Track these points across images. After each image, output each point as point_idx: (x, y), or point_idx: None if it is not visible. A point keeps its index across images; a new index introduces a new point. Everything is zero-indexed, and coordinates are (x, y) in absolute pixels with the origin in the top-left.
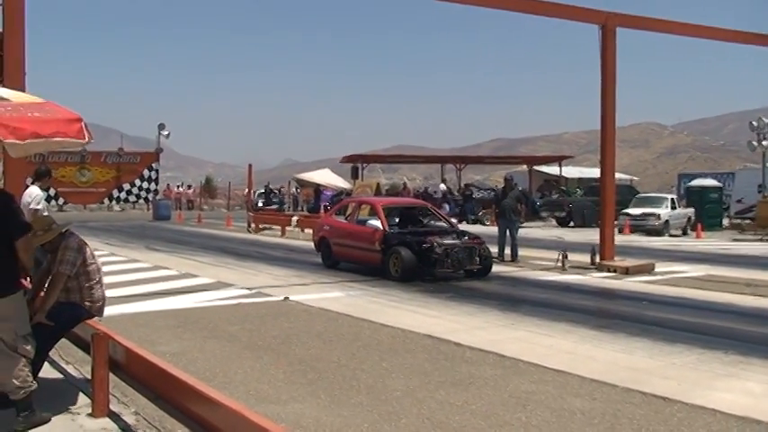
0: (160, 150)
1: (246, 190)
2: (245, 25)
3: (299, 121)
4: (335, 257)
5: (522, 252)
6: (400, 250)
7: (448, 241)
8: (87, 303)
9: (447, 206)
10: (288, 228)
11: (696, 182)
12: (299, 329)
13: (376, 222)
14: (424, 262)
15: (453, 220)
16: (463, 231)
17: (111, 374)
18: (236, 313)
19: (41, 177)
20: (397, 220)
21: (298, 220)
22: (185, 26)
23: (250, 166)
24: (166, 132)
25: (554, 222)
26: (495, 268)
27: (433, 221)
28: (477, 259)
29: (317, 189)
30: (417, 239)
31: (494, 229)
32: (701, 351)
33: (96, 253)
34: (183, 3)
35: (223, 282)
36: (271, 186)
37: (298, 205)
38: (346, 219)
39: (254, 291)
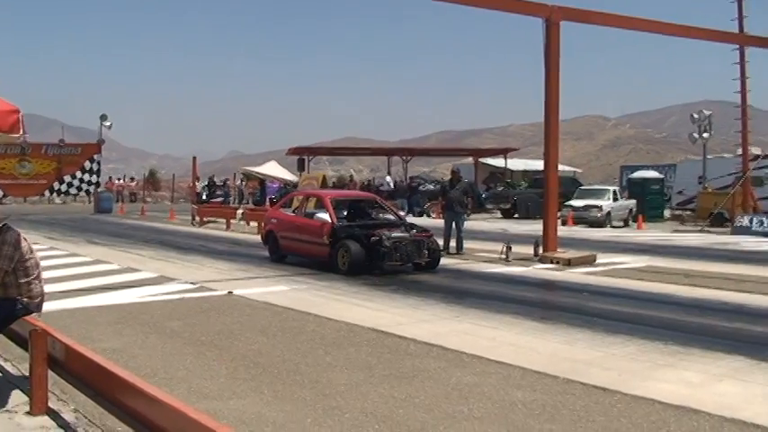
0: (102, 142)
1: (191, 182)
2: (186, 12)
3: (245, 112)
4: (283, 251)
5: (467, 244)
6: (348, 244)
7: (396, 234)
8: (25, 299)
9: (404, 200)
10: (233, 221)
11: (638, 174)
12: (243, 324)
13: (324, 215)
14: (373, 255)
15: (401, 213)
16: (412, 224)
17: (50, 371)
18: (179, 308)
19: None
20: (345, 213)
21: (243, 213)
22: (126, 14)
23: (194, 158)
24: (108, 123)
25: (499, 214)
26: (441, 261)
27: (381, 214)
28: (426, 252)
29: (263, 182)
30: (366, 233)
31: (439, 222)
32: (641, 342)
33: (36, 247)
34: None
35: (166, 276)
36: (216, 179)
37: (243, 198)
38: (294, 212)
39: (197, 285)
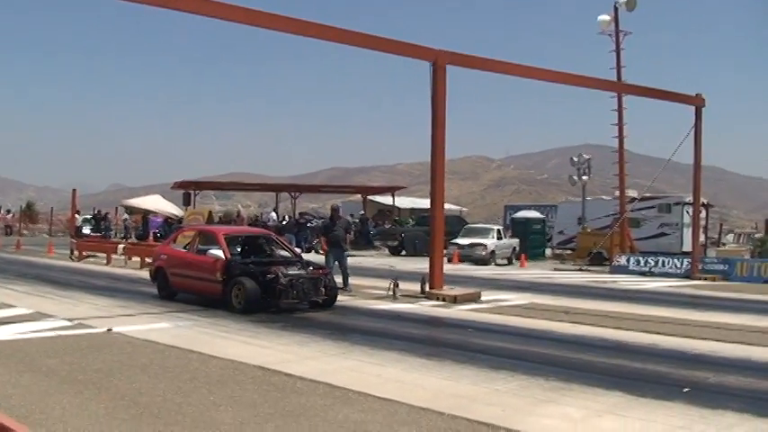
0: None
1: (70, 215)
2: (62, 44)
3: (126, 144)
4: (173, 288)
5: (354, 281)
6: (243, 281)
7: (293, 272)
8: None
9: (292, 236)
10: (114, 256)
11: (521, 213)
12: (123, 362)
13: (217, 252)
14: (269, 293)
15: (297, 250)
16: (308, 261)
17: None
18: (55, 346)
19: None
20: (239, 249)
21: (124, 248)
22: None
23: (74, 190)
24: None
25: (387, 251)
26: None
27: (276, 251)
28: (323, 290)
29: (145, 216)
30: (261, 269)
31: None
32: (524, 377)
33: None
34: None
35: (42, 312)
36: (99, 212)
37: (128, 232)
38: (185, 248)
39: (74, 322)
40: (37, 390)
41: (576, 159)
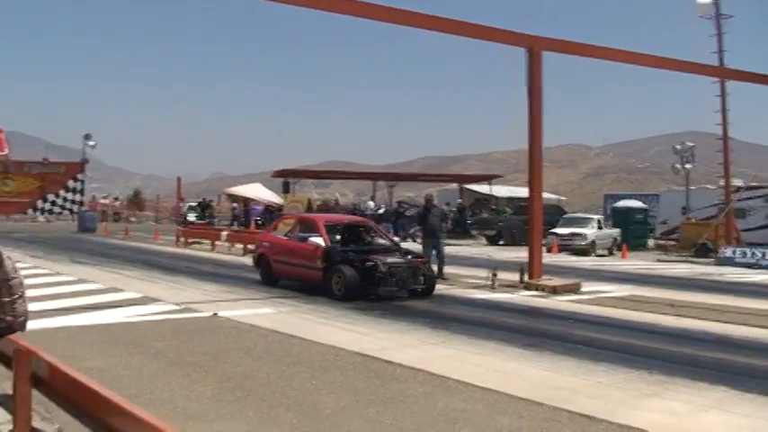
0: (86, 161)
1: (175, 202)
2: (170, 36)
3: (229, 133)
4: (275, 275)
5: (452, 270)
6: (343, 268)
7: (392, 260)
8: (9, 318)
9: (390, 225)
10: (217, 242)
11: (622, 203)
12: (228, 346)
13: (318, 239)
14: (368, 281)
15: (396, 239)
16: (407, 250)
17: (33, 390)
18: (164, 329)
19: None
20: (338, 237)
21: (228, 235)
22: (110, 36)
23: (179, 178)
24: (92, 143)
25: (484, 240)
26: None
27: (375, 239)
28: (422, 279)
29: (246, 203)
30: (361, 257)
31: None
32: (626, 370)
33: (20, 265)
34: (107, 14)
35: (150, 297)
36: (204, 200)
37: (236, 220)
38: (287, 235)
39: (182, 306)
40: (147, 371)
41: (678, 147)
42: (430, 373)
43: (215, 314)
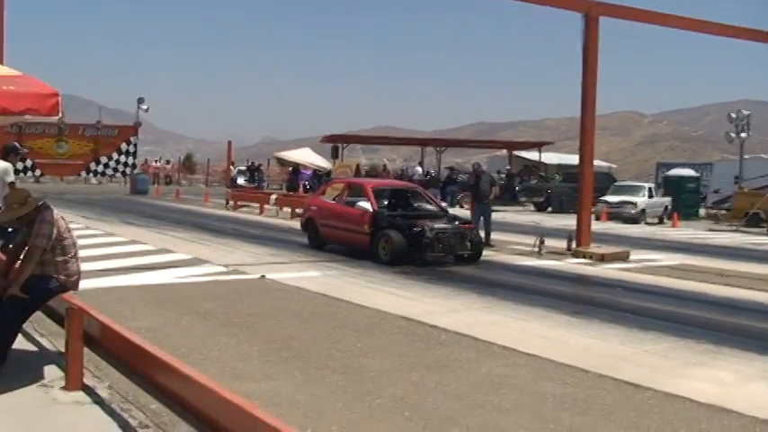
0: (139, 124)
1: (225, 166)
2: (224, 2)
3: (279, 98)
4: (322, 239)
5: (499, 237)
6: (390, 233)
7: (439, 225)
8: (62, 277)
9: (437, 191)
10: (266, 206)
11: (674, 171)
12: (275, 308)
13: (365, 204)
14: (415, 246)
15: (443, 204)
16: (454, 216)
17: (85, 348)
18: (213, 290)
19: (7, 155)
20: (386, 202)
21: (276, 199)
22: (165, 1)
23: (229, 142)
24: (146, 106)
25: (532, 207)
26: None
27: (422, 205)
28: (469, 244)
29: (296, 168)
30: (408, 223)
31: (467, 213)
32: (674, 339)
33: (72, 226)
34: None
35: (200, 258)
36: (252, 163)
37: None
38: (334, 199)
39: (230, 268)
40: (195, 331)
41: (734, 116)
42: (474, 339)
43: (263, 276)
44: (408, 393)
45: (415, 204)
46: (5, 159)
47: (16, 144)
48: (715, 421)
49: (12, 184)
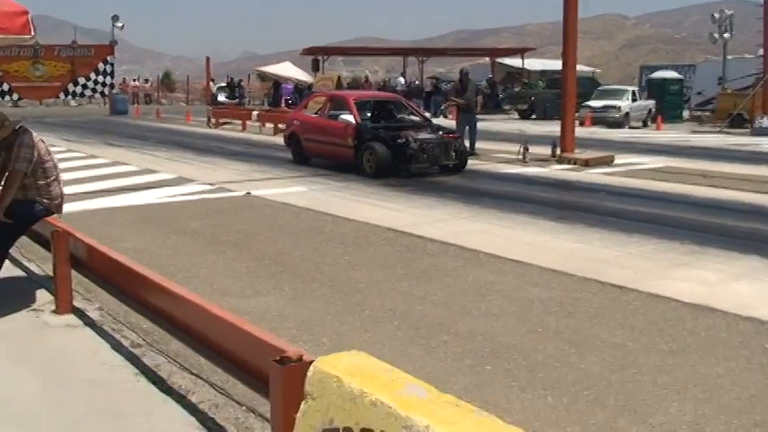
0: (115, 43)
1: (205, 83)
2: None
3: (258, 11)
4: (306, 153)
5: (483, 145)
6: (374, 146)
7: (423, 136)
8: (45, 200)
9: (420, 101)
10: (248, 122)
11: (657, 74)
12: (262, 224)
13: (348, 117)
14: (399, 157)
15: (427, 114)
16: (438, 126)
17: (73, 271)
18: (199, 209)
19: None
20: (369, 114)
21: (258, 115)
22: None
23: (208, 59)
24: (120, 24)
25: (516, 115)
26: None
27: (406, 116)
28: (453, 154)
29: (276, 83)
30: (391, 134)
31: (451, 123)
32: (658, 241)
33: (54, 149)
34: None
35: (184, 177)
36: (232, 80)
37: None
38: (317, 113)
39: (215, 186)
40: (184, 250)
41: (717, 16)
42: (461, 247)
43: (248, 193)
44: (397, 303)
45: (399, 116)
46: None
47: None
48: (700, 320)
49: None
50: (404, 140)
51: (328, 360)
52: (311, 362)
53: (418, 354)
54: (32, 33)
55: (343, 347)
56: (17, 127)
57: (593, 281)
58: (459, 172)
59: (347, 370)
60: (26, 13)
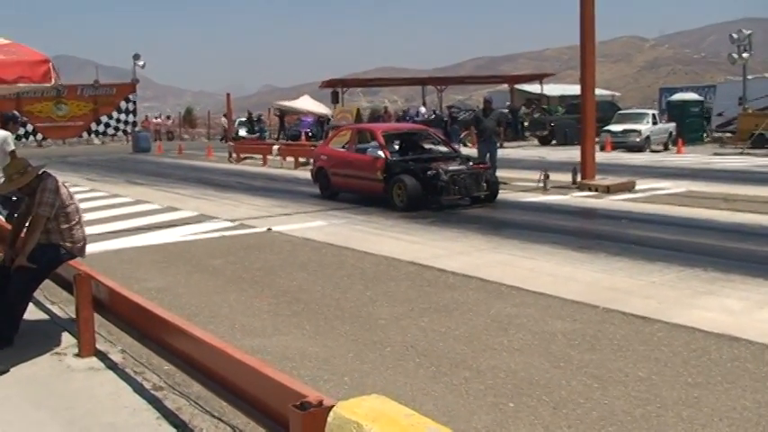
0: (136, 81)
1: (225, 118)
2: None
3: (277, 46)
4: (334, 188)
5: (504, 173)
6: (404, 179)
7: (453, 167)
8: (68, 244)
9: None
10: (269, 156)
11: (677, 96)
12: (283, 261)
13: (377, 150)
14: (430, 190)
15: (456, 146)
16: (467, 156)
17: (96, 314)
18: (220, 246)
19: (6, 123)
20: (397, 147)
21: (279, 149)
22: None
23: (228, 94)
24: (142, 62)
25: (536, 142)
26: None
27: (434, 147)
28: (484, 185)
29: (282, 115)
30: (421, 167)
31: (473, 152)
32: (681, 269)
33: (77, 188)
34: None
35: (205, 214)
36: (252, 114)
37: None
38: (344, 147)
39: (236, 223)
40: (205, 289)
41: (735, 36)
42: (482, 280)
43: (269, 229)
44: (418, 339)
45: (427, 147)
46: (5, 128)
47: (15, 112)
48: (725, 351)
49: (12, 152)
50: (434, 172)
51: (348, 405)
52: (331, 407)
53: (440, 391)
54: (53, 82)
55: (364, 386)
56: (39, 172)
57: (617, 312)
58: (490, 203)
59: (367, 415)
60: (47, 61)
